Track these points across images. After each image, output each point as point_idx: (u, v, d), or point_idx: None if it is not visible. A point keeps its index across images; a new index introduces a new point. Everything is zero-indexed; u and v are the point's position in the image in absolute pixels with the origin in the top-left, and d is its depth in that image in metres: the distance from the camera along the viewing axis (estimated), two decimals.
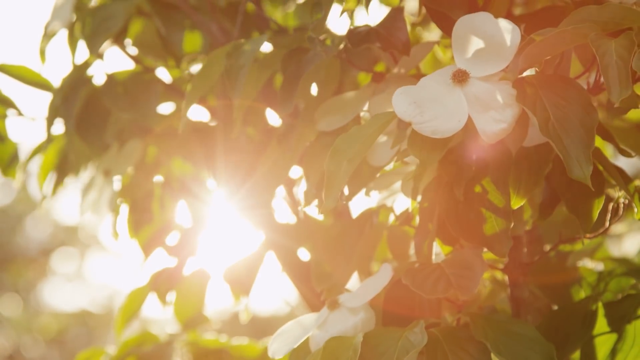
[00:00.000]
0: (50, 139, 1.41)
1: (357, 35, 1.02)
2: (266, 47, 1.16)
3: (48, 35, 1.40)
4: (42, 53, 1.41)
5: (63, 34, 1.41)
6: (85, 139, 1.39)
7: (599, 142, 1.03)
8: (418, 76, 1.05)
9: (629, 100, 0.84)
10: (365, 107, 1.05)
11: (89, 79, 1.40)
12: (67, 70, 1.40)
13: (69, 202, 7.33)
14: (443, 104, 0.88)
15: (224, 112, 1.33)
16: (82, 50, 1.39)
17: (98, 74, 1.41)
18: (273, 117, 1.34)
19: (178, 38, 1.36)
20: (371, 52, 1.12)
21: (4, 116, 1.47)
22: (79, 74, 1.39)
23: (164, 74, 1.45)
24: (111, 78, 1.40)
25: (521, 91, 0.87)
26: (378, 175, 1.07)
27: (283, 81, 1.03)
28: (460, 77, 0.89)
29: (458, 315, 0.98)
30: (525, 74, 0.89)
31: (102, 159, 1.43)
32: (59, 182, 1.50)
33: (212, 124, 1.39)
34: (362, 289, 1.01)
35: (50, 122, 1.39)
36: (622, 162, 1.13)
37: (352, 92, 1.07)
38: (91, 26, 1.33)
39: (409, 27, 1.30)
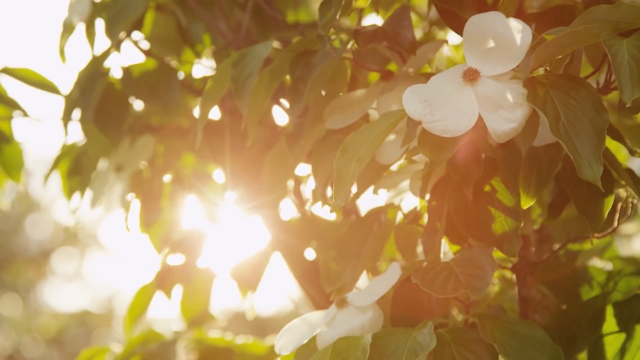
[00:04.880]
0: (65, 133, 1.41)
1: (364, 35, 1.01)
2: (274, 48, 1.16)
3: (67, 31, 1.40)
4: (62, 52, 1.42)
5: (79, 29, 1.41)
6: (103, 130, 1.39)
7: (608, 142, 1.03)
8: (427, 75, 1.05)
9: None
10: (374, 105, 1.05)
11: (106, 72, 1.40)
12: (78, 67, 1.41)
13: (69, 202, 7.31)
14: (453, 103, 0.87)
15: (233, 110, 1.33)
16: (99, 44, 1.40)
17: (115, 67, 1.41)
18: (280, 115, 1.34)
19: (199, 29, 1.36)
20: (378, 51, 1.12)
21: (10, 118, 1.47)
22: (96, 67, 1.39)
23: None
24: (127, 71, 1.40)
25: (532, 90, 0.87)
26: (386, 173, 1.06)
27: (291, 84, 1.02)
28: (471, 75, 0.88)
29: (466, 316, 0.98)
30: (535, 73, 0.89)
31: (114, 154, 1.43)
32: (82, 191, 1.49)
33: (221, 120, 1.39)
34: (371, 287, 1.00)
35: (67, 114, 1.39)
36: (632, 163, 1.13)
37: (360, 91, 1.07)
38: (110, 15, 1.33)
39: (428, 27, 1.31)
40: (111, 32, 1.32)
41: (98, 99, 1.38)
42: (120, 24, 1.31)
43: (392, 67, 1.09)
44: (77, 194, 1.49)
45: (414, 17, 1.35)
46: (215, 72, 1.08)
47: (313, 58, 1.03)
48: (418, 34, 1.35)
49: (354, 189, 1.09)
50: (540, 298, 1.12)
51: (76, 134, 1.46)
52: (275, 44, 1.38)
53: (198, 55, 1.40)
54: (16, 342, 6.22)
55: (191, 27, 1.36)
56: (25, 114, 1.47)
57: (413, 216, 1.08)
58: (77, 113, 1.40)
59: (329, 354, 0.89)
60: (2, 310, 6.33)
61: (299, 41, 1.07)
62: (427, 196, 1.02)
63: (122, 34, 1.39)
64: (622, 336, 0.99)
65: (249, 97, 1.03)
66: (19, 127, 1.58)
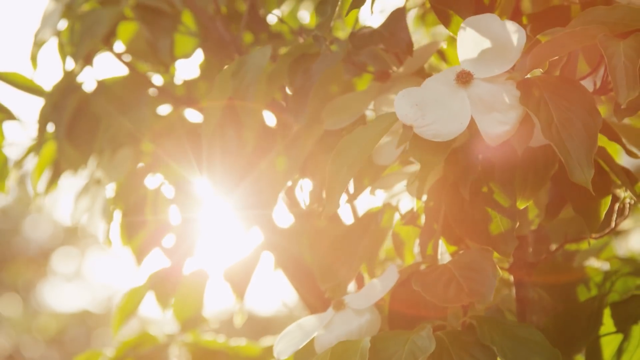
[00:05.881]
0: (43, 139, 1.41)
1: (360, 37, 1.02)
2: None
3: (38, 44, 1.40)
4: (34, 60, 1.41)
5: (53, 42, 1.41)
6: (75, 145, 1.39)
7: (605, 142, 1.03)
8: (424, 75, 1.05)
9: (637, 101, 0.83)
10: (371, 106, 1.05)
11: (79, 86, 1.40)
12: (59, 76, 1.41)
13: (69, 203, 7.31)
14: (446, 106, 0.87)
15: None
16: (71, 58, 1.40)
17: (88, 81, 1.41)
18: (269, 118, 1.33)
19: (165, 43, 1.36)
20: (374, 54, 1.12)
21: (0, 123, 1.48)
22: (69, 81, 1.39)
23: (157, 78, 1.45)
24: (101, 84, 1.40)
25: (525, 93, 0.87)
26: (384, 174, 1.06)
27: (293, 92, 1.02)
28: (464, 78, 0.88)
29: (464, 318, 0.98)
30: (529, 75, 0.89)
31: (95, 167, 1.43)
32: (53, 180, 1.50)
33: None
34: (368, 290, 1.00)
35: (41, 129, 1.40)
36: (628, 162, 1.13)
37: (358, 92, 1.07)
38: (78, 33, 1.33)
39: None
40: (76, 51, 1.32)
41: (71, 115, 1.37)
42: (85, 42, 1.31)
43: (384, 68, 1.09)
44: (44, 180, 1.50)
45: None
46: (215, 82, 1.08)
47: (312, 64, 1.03)
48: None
49: (351, 190, 1.09)
50: (537, 299, 1.12)
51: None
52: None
53: (167, 69, 1.40)
54: (16, 342, 6.22)
55: (157, 42, 1.35)
56: (14, 118, 1.47)
57: (410, 217, 1.08)
58: (51, 127, 1.40)
59: (328, 358, 0.89)
60: (2, 310, 6.33)
61: (296, 46, 1.07)
62: (424, 197, 1.02)
63: (96, 48, 1.39)
64: (620, 337, 0.99)
65: (251, 106, 1.04)
66: (13, 133, 1.58)
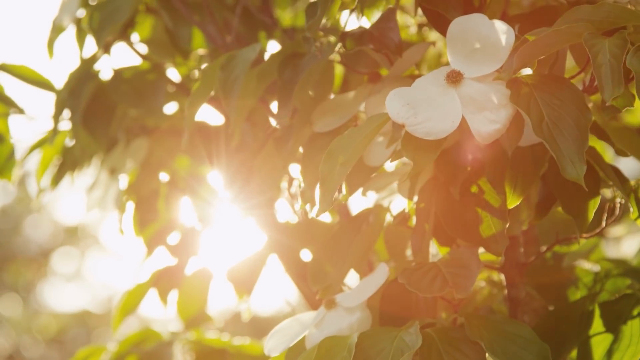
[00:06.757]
0: (54, 133, 1.41)
1: (351, 37, 1.02)
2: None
3: (56, 30, 1.40)
4: (50, 47, 1.41)
5: (70, 29, 1.42)
6: (91, 132, 1.39)
7: (595, 142, 1.03)
8: (414, 77, 1.06)
9: (623, 98, 0.84)
10: (362, 108, 1.05)
11: (96, 74, 1.40)
12: (72, 67, 1.41)
13: (69, 202, 7.32)
14: (437, 105, 0.87)
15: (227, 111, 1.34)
16: (89, 46, 1.40)
17: (105, 69, 1.41)
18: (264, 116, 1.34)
19: (186, 33, 1.37)
20: (367, 54, 1.12)
21: (6, 115, 1.47)
22: (86, 69, 1.39)
23: (172, 72, 1.45)
24: (118, 73, 1.40)
25: (515, 91, 0.87)
26: (374, 175, 1.07)
27: (279, 87, 1.03)
28: (454, 77, 0.89)
29: (454, 316, 0.99)
30: (519, 74, 0.89)
31: (108, 157, 1.44)
32: (59, 177, 1.50)
33: (217, 123, 1.40)
34: (359, 288, 1.01)
35: (57, 116, 1.40)
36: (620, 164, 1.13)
37: (348, 93, 1.07)
38: (99, 19, 1.33)
39: (415, 28, 1.31)
40: (99, 37, 1.32)
41: (87, 101, 1.38)
42: (107, 28, 1.32)
43: (384, 71, 1.09)
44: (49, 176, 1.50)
45: (406, 19, 1.35)
46: (203, 74, 1.09)
47: (301, 61, 1.03)
48: (409, 35, 1.35)
49: (344, 191, 1.09)
50: (528, 299, 1.12)
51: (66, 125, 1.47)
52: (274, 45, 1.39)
53: (186, 58, 1.40)
54: (16, 342, 6.22)
55: (178, 31, 1.36)
56: (21, 112, 1.47)
57: (402, 218, 1.08)
58: (66, 114, 1.40)
59: (315, 353, 0.89)
60: (2, 310, 6.34)
61: (287, 44, 1.07)
62: (415, 198, 1.02)
63: (114, 37, 1.39)
64: (610, 337, 1.00)
65: (236, 100, 1.04)
66: (17, 127, 1.59)
